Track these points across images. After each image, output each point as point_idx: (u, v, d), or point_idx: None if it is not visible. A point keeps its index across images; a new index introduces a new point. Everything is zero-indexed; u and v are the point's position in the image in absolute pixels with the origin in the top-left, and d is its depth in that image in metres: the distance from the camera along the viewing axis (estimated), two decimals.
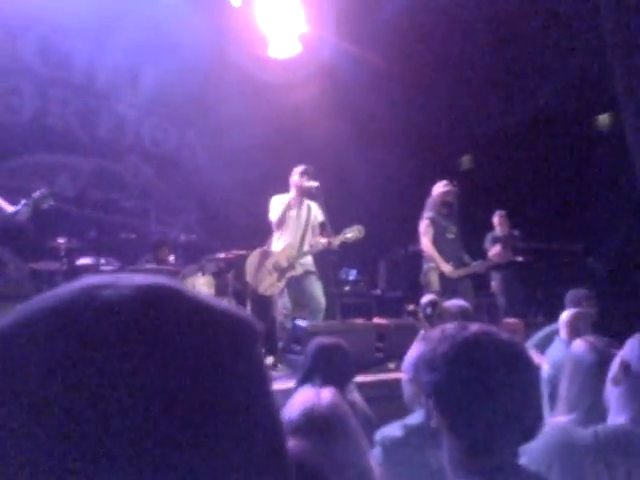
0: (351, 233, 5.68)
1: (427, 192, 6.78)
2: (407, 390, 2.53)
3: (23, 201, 4.79)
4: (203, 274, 6.98)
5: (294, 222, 5.91)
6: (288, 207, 5.91)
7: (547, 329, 4.51)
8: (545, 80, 8.52)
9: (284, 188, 6.06)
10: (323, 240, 5.78)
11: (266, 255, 5.87)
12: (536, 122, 9.27)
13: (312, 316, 5.72)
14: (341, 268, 8.57)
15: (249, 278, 5.85)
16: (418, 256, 8.84)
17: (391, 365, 5.38)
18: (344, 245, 5.77)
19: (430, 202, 6.56)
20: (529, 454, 1.64)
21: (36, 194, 4.83)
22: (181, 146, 9.79)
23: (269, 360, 5.98)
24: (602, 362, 2.09)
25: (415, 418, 2.34)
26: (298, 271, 5.79)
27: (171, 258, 7.28)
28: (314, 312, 5.74)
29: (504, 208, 8.11)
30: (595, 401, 2.04)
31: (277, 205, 5.92)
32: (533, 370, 1.32)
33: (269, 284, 5.79)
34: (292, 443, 1.35)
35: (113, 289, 0.47)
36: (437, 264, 6.29)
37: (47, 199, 4.89)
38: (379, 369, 5.35)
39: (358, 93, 8.69)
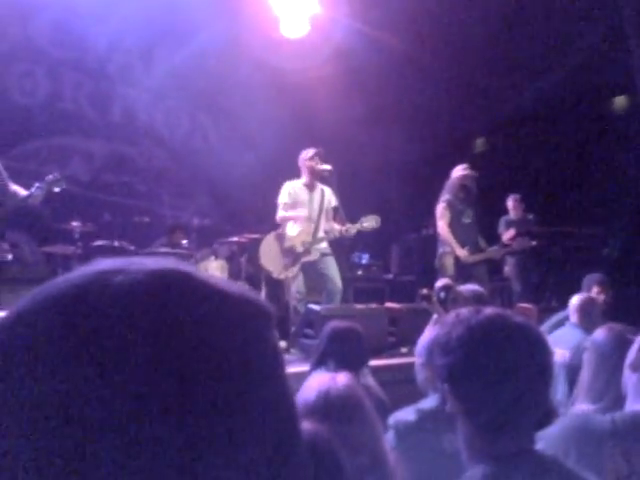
0: (367, 222, 5.67)
1: (440, 175, 6.73)
2: (420, 374, 2.53)
3: (36, 184, 4.81)
4: (216, 258, 7.00)
5: (308, 206, 5.89)
6: (301, 190, 5.90)
7: (559, 315, 4.50)
8: (561, 61, 8.40)
9: (297, 171, 6.04)
10: (338, 227, 5.77)
11: (280, 239, 5.86)
12: (551, 104, 9.17)
13: (329, 298, 5.72)
14: (354, 252, 8.56)
15: (263, 261, 5.85)
16: (431, 240, 8.81)
17: (404, 349, 5.38)
18: (359, 233, 5.77)
19: (448, 185, 6.49)
20: (546, 440, 1.63)
21: (49, 177, 4.85)
22: (194, 130, 9.79)
23: (282, 344, 6.00)
24: (623, 349, 2.07)
25: (428, 402, 2.33)
26: (314, 256, 5.79)
27: (184, 242, 7.31)
28: (331, 294, 5.74)
29: (518, 191, 8.04)
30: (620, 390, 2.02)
31: (288, 190, 5.91)
32: (548, 353, 1.31)
33: (283, 268, 5.79)
34: (306, 425, 1.35)
35: (125, 274, 0.46)
36: (452, 248, 6.25)
37: (60, 182, 4.91)
38: (392, 353, 5.35)
39: (371, 75, 8.63)
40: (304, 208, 5.88)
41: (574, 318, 4.14)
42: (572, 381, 2.90)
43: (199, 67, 8.39)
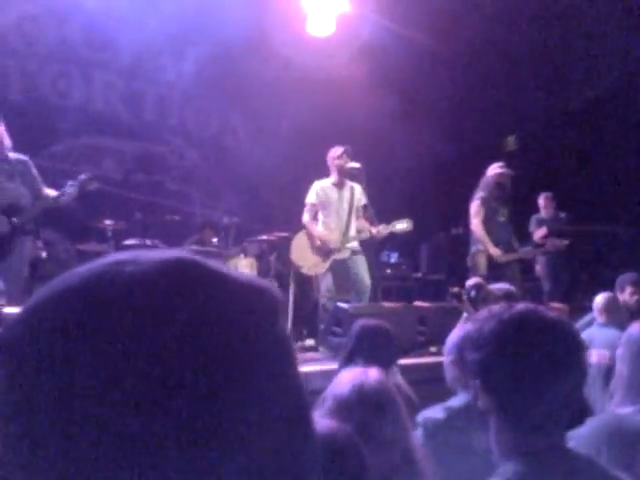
0: (400, 225, 5.65)
1: (470, 174, 6.68)
2: (449, 372, 2.51)
3: (70, 183, 4.89)
4: (245, 256, 7.04)
5: (337, 205, 5.90)
6: (330, 189, 5.91)
7: (590, 316, 4.45)
8: (595, 60, 8.27)
9: (326, 169, 6.04)
10: (371, 229, 5.76)
11: (312, 236, 5.88)
12: (584, 102, 9.03)
13: (358, 297, 5.72)
14: (383, 251, 8.54)
15: (294, 257, 5.88)
16: (460, 239, 8.75)
17: (433, 349, 5.35)
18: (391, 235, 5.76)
19: (484, 183, 6.41)
20: (577, 439, 1.61)
21: (82, 177, 4.93)
22: (224, 129, 9.86)
23: (310, 342, 6.02)
24: None
25: (457, 400, 2.33)
26: (344, 254, 5.79)
27: (214, 240, 7.37)
28: (360, 293, 5.74)
29: (550, 190, 7.94)
30: None
31: (316, 190, 5.92)
32: (582, 349, 1.29)
33: (313, 264, 5.81)
34: (327, 422, 1.36)
35: (135, 265, 0.47)
36: (486, 247, 6.18)
37: (93, 182, 4.99)
38: (420, 352, 5.33)
39: (400, 73, 8.59)
40: (333, 207, 5.89)
41: (602, 318, 4.09)
42: None
43: (228, 66, 8.45)
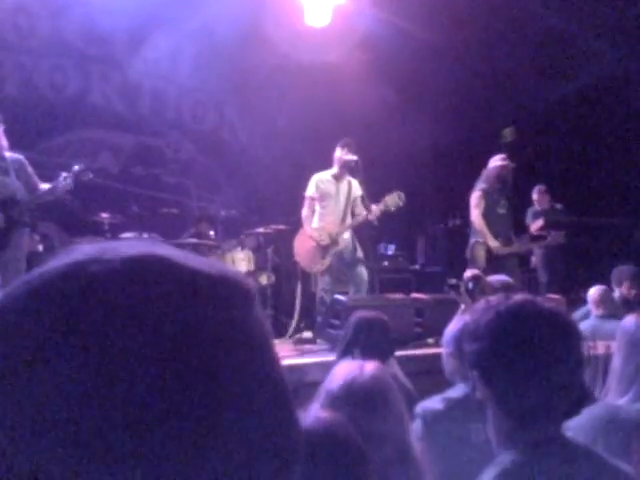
0: (391, 200, 5.62)
1: (467, 166, 6.69)
2: (448, 364, 2.52)
3: (64, 174, 4.89)
4: (242, 249, 7.04)
5: (335, 197, 5.91)
6: (329, 182, 5.92)
7: (586, 308, 4.47)
8: (593, 51, 8.27)
9: (323, 163, 6.05)
10: (366, 212, 5.74)
11: (310, 234, 5.90)
12: (582, 93, 9.03)
13: (356, 287, 5.74)
14: (380, 243, 8.54)
15: (296, 257, 5.92)
16: (458, 231, 8.76)
17: (430, 340, 5.36)
18: (385, 214, 5.70)
19: (485, 174, 6.40)
20: (573, 429, 1.62)
21: (75, 168, 4.94)
22: (221, 122, 9.83)
23: (308, 334, 6.03)
24: None
25: (456, 391, 2.33)
26: (341, 245, 5.80)
27: (211, 233, 7.37)
28: (357, 285, 5.76)
29: (546, 181, 7.95)
30: None
31: (315, 183, 5.93)
32: (579, 339, 1.30)
33: (314, 263, 5.84)
34: (326, 413, 1.36)
35: (99, 264, 0.46)
36: (485, 239, 6.17)
37: (87, 172, 5.00)
38: (418, 344, 5.34)
39: (398, 65, 8.58)
40: (332, 200, 5.90)
41: (600, 310, 4.10)
42: None
43: (225, 59, 8.42)
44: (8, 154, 4.89)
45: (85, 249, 0.48)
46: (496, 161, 6.40)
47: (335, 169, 5.95)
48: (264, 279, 6.76)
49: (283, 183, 8.34)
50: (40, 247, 6.59)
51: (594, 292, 4.26)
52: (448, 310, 3.93)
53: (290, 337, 6.19)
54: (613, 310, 4.04)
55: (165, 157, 9.19)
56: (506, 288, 3.34)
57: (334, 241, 5.78)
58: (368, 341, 3.05)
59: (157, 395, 0.42)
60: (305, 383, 3.69)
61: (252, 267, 6.82)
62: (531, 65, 8.77)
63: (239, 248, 7.04)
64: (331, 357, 3.77)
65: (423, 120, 8.76)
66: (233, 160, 9.27)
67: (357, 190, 5.94)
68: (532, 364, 1.23)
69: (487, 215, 6.22)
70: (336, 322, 5.33)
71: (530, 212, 7.83)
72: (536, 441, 1.25)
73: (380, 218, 5.71)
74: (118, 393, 0.41)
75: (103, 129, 8.66)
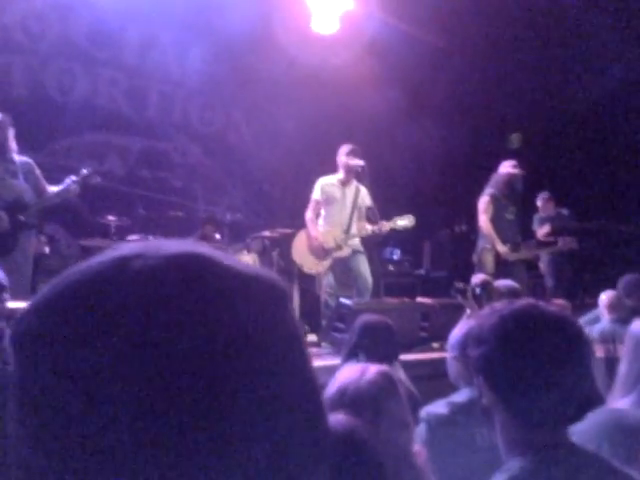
0: (401, 221, 5.64)
1: (474, 172, 6.67)
2: (452, 369, 2.52)
3: (72, 178, 4.91)
4: (248, 252, 7.06)
5: (340, 202, 5.90)
6: (335, 186, 5.92)
7: (593, 313, 4.44)
8: (599, 58, 8.25)
9: (329, 167, 6.05)
10: (371, 227, 5.76)
11: (311, 235, 5.89)
12: (589, 100, 9.01)
13: (359, 295, 5.73)
14: (385, 248, 8.54)
15: (295, 257, 5.89)
16: (464, 237, 8.74)
17: (435, 345, 5.35)
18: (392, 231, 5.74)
19: (494, 179, 6.37)
20: (577, 434, 1.62)
21: (83, 172, 4.96)
22: (228, 126, 9.85)
23: (313, 338, 6.03)
24: None
25: (461, 396, 2.33)
26: (345, 252, 5.80)
27: (217, 236, 7.38)
28: (361, 291, 5.75)
29: (553, 187, 7.93)
30: None
31: (321, 186, 5.93)
32: (584, 342, 1.29)
33: (314, 263, 5.82)
34: (343, 417, 1.36)
35: (143, 259, 0.47)
36: (493, 244, 6.15)
37: (94, 176, 5.01)
38: (423, 348, 5.33)
39: (404, 71, 8.58)
40: (337, 205, 5.90)
41: (615, 314, 4.07)
42: None
43: (232, 63, 8.45)
44: (17, 157, 4.92)
45: (130, 246, 0.50)
46: (506, 167, 6.38)
47: (341, 174, 5.94)
48: None
49: (289, 187, 8.35)
50: (47, 249, 6.62)
51: (608, 296, 4.23)
52: (453, 315, 3.93)
53: None
54: (625, 315, 4.03)
55: (172, 160, 9.22)
56: (513, 293, 3.33)
57: (338, 246, 5.79)
58: (373, 345, 3.04)
59: (196, 390, 0.43)
60: None
61: None
62: (539, 71, 8.75)
63: (245, 251, 7.05)
64: (336, 361, 3.76)
65: (430, 125, 8.77)
66: (239, 164, 9.29)
67: (366, 199, 5.93)
68: (537, 369, 1.23)
69: (495, 220, 6.20)
70: (341, 326, 5.32)
71: (536, 218, 7.81)
72: (544, 447, 1.24)
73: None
74: (159, 387, 0.42)
75: (110, 132, 8.69)
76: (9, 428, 0.45)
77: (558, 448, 1.25)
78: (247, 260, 6.83)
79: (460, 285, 3.84)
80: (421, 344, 5.38)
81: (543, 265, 7.70)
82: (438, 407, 2.29)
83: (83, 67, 8.48)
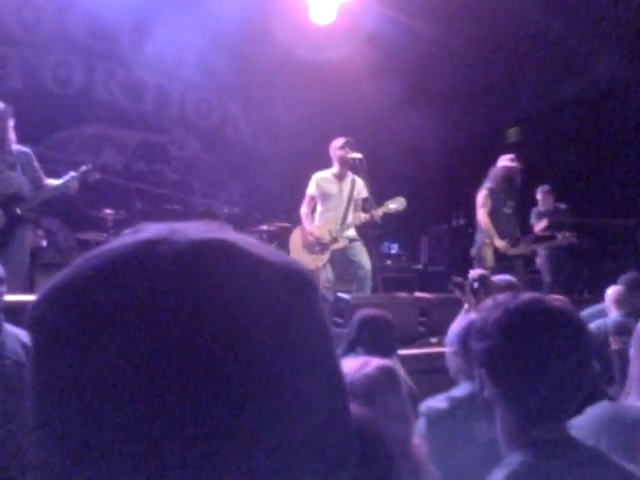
0: (393, 204, 5.64)
1: (471, 166, 6.66)
2: (452, 363, 2.51)
3: (71, 173, 4.89)
4: None
5: (336, 197, 5.89)
6: (331, 181, 5.90)
7: (594, 307, 4.44)
8: (597, 54, 8.25)
9: (327, 161, 6.03)
10: (365, 214, 5.76)
11: (307, 231, 5.89)
12: (587, 94, 9.01)
13: (360, 284, 5.72)
14: (383, 242, 8.54)
15: (293, 254, 5.88)
16: (461, 231, 8.74)
17: (433, 339, 5.36)
18: (386, 217, 5.73)
19: (492, 173, 6.36)
20: (576, 428, 1.62)
21: (83, 168, 4.93)
22: (225, 119, 9.84)
23: None
24: None
25: (460, 390, 2.33)
26: (342, 243, 5.79)
27: None
28: (362, 280, 5.73)
29: (551, 182, 7.93)
30: None
31: (316, 181, 5.91)
32: (587, 337, 1.29)
33: (312, 259, 5.82)
34: (356, 409, 1.35)
35: (167, 244, 0.46)
36: (491, 239, 6.14)
37: (93, 173, 4.99)
38: (421, 343, 5.34)
39: (402, 64, 8.56)
40: (333, 200, 5.89)
41: (623, 309, 4.06)
42: None
43: (229, 56, 8.43)
44: (15, 147, 4.87)
45: (155, 228, 0.48)
46: (504, 161, 6.37)
47: (335, 168, 5.92)
48: None
49: (286, 180, 8.35)
50: (44, 242, 6.60)
51: (615, 291, 4.22)
52: (452, 309, 3.93)
53: None
54: (633, 309, 4.03)
55: (169, 154, 9.20)
56: (511, 288, 3.32)
57: (334, 239, 5.78)
58: (372, 339, 3.05)
59: (219, 382, 0.42)
60: None
61: None
62: (536, 65, 8.75)
63: None
64: None
65: (428, 119, 8.75)
66: (237, 157, 9.28)
67: (362, 191, 5.91)
68: (541, 362, 1.22)
69: (493, 215, 6.19)
70: (339, 320, 5.33)
71: (534, 212, 7.81)
72: (544, 441, 1.24)
73: (383, 217, 5.72)
74: (184, 379, 0.41)
75: (107, 125, 8.67)
76: (27, 419, 0.45)
77: (558, 443, 1.25)
78: None
79: (458, 279, 3.83)
80: (419, 339, 5.39)
81: (540, 260, 7.70)
82: (438, 401, 2.29)
83: (79, 59, 8.45)
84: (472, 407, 2.05)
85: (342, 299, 5.47)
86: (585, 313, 4.24)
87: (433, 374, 3.57)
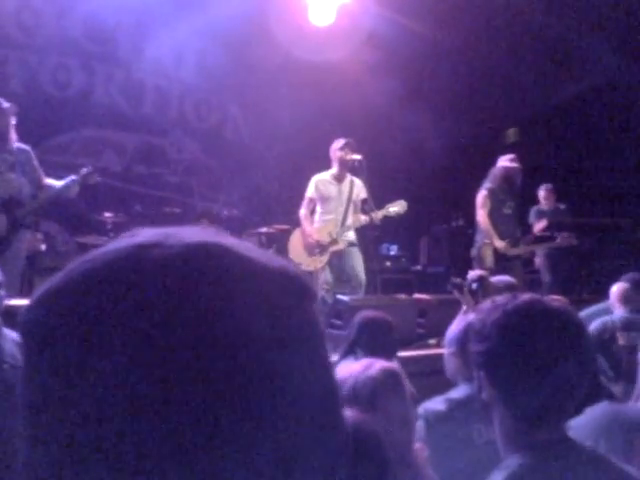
0: (394, 208, 5.64)
1: (470, 167, 6.66)
2: (450, 365, 2.51)
3: (72, 177, 4.87)
4: None
5: (336, 198, 5.89)
6: (330, 183, 5.90)
7: (596, 307, 4.43)
8: (597, 54, 8.25)
9: (326, 162, 6.03)
10: (364, 217, 5.76)
11: (307, 233, 5.88)
12: (585, 95, 9.01)
13: (352, 291, 5.72)
14: (382, 243, 8.53)
15: (292, 256, 5.88)
16: (460, 232, 8.74)
17: (432, 341, 5.35)
18: (386, 219, 5.73)
19: (492, 174, 6.34)
20: (575, 429, 1.61)
21: (83, 170, 4.91)
22: (225, 121, 9.83)
23: None
24: None
25: (458, 392, 2.33)
26: (341, 245, 5.79)
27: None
28: (355, 287, 5.74)
29: (551, 182, 7.93)
30: None
31: (315, 184, 5.91)
32: (586, 338, 1.29)
33: (312, 260, 5.81)
34: (350, 413, 1.35)
35: (161, 248, 0.45)
36: (490, 239, 6.13)
37: (94, 176, 4.97)
38: (420, 345, 5.33)
39: (401, 64, 8.57)
40: (332, 201, 5.88)
41: (630, 305, 4.06)
42: None
43: (228, 57, 8.42)
44: (16, 144, 4.82)
45: (149, 233, 0.48)
46: (504, 161, 6.36)
47: (335, 169, 5.92)
48: None
49: (286, 182, 8.34)
50: (43, 246, 6.58)
51: (620, 288, 4.21)
52: (451, 311, 3.92)
53: None
54: (638, 306, 4.03)
55: (168, 156, 9.20)
56: (510, 289, 3.33)
57: (334, 240, 5.78)
58: (372, 341, 3.04)
59: (213, 386, 0.42)
60: None
61: None
62: (536, 65, 8.75)
63: None
64: (333, 357, 3.76)
65: (427, 120, 8.76)
66: (236, 159, 9.27)
67: (361, 192, 5.91)
68: (541, 364, 1.22)
69: (493, 215, 6.19)
70: (338, 322, 5.32)
71: (534, 212, 7.80)
72: (543, 444, 1.23)
73: (382, 219, 5.72)
74: (177, 383, 0.41)
75: (106, 128, 8.66)
76: (18, 426, 0.45)
77: (556, 444, 1.25)
78: None
79: (456, 280, 3.83)
80: (418, 340, 5.38)
81: (539, 260, 7.69)
82: (436, 403, 2.29)
83: (79, 62, 8.45)
84: (470, 409, 2.05)
85: (341, 301, 5.46)
86: (585, 313, 4.24)
87: (432, 376, 3.57)
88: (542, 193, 7.83)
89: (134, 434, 0.41)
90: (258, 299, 0.46)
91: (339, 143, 5.86)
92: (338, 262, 5.85)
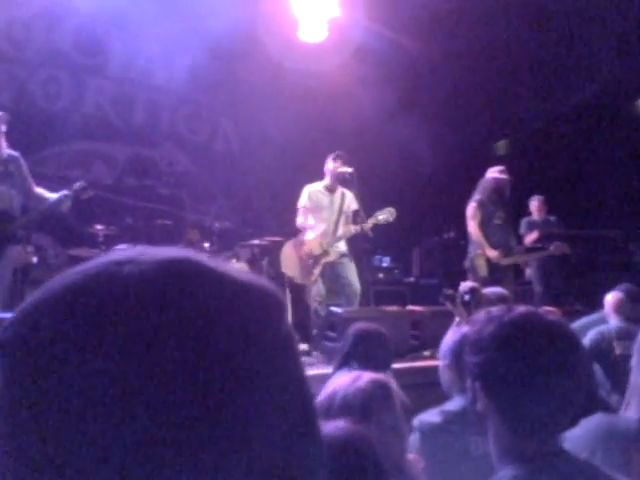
0: (382, 215, 5.66)
1: (462, 179, 6.69)
2: (445, 377, 2.51)
3: (64, 192, 4.85)
4: (237, 260, 7.02)
5: (328, 209, 5.91)
6: (322, 193, 5.92)
7: (589, 317, 4.46)
8: (585, 66, 8.33)
9: (317, 174, 6.05)
10: (355, 227, 5.77)
11: (299, 245, 5.88)
12: (575, 107, 9.09)
13: (348, 301, 5.72)
14: (375, 255, 8.54)
15: (284, 269, 5.87)
16: (453, 243, 8.76)
17: (426, 353, 5.35)
18: (376, 227, 5.74)
19: (481, 185, 6.38)
20: (570, 440, 1.61)
21: (76, 185, 4.89)
22: (215, 134, 9.84)
23: (304, 347, 6.01)
24: None
25: (453, 404, 2.32)
26: (332, 257, 5.79)
27: (206, 245, 7.34)
28: (349, 297, 5.74)
29: (540, 194, 7.97)
30: None
31: (308, 194, 5.92)
32: (581, 350, 1.29)
33: (305, 273, 5.81)
34: (342, 423, 1.35)
35: (134, 265, 0.46)
36: (483, 249, 6.16)
37: (87, 191, 4.95)
38: (414, 357, 5.33)
39: (391, 78, 8.61)
40: (324, 212, 5.90)
41: (624, 315, 4.08)
42: None
43: (220, 71, 8.44)
44: (6, 151, 4.78)
45: (125, 251, 0.49)
46: (493, 172, 6.40)
47: (327, 180, 5.96)
48: None
49: (277, 194, 8.34)
50: (34, 259, 6.55)
51: (614, 297, 4.24)
52: (444, 322, 3.92)
53: None
54: (634, 315, 4.07)
55: (159, 168, 9.18)
56: (501, 300, 3.33)
57: (325, 252, 5.78)
58: (366, 353, 3.03)
59: (187, 398, 0.42)
60: None
61: None
62: (526, 78, 8.82)
63: (234, 260, 7.01)
64: (327, 369, 3.75)
65: (417, 133, 8.80)
66: (227, 171, 9.27)
67: (352, 203, 5.94)
68: (536, 376, 1.22)
69: (483, 226, 6.22)
70: (332, 334, 5.31)
71: (524, 223, 7.83)
72: (537, 455, 1.23)
73: (374, 230, 5.73)
74: (149, 394, 0.42)
75: (97, 140, 8.65)
76: None
77: (551, 456, 1.25)
78: None
79: (449, 292, 3.84)
80: (412, 352, 5.38)
81: (531, 271, 7.72)
82: (431, 415, 2.28)
83: (69, 75, 8.45)
84: (466, 421, 2.04)
85: (334, 313, 5.46)
86: (579, 324, 4.26)
87: (427, 388, 3.56)
88: (534, 204, 7.87)
89: (107, 450, 0.41)
90: (229, 312, 0.47)
91: (331, 155, 5.92)
92: (331, 273, 5.85)
